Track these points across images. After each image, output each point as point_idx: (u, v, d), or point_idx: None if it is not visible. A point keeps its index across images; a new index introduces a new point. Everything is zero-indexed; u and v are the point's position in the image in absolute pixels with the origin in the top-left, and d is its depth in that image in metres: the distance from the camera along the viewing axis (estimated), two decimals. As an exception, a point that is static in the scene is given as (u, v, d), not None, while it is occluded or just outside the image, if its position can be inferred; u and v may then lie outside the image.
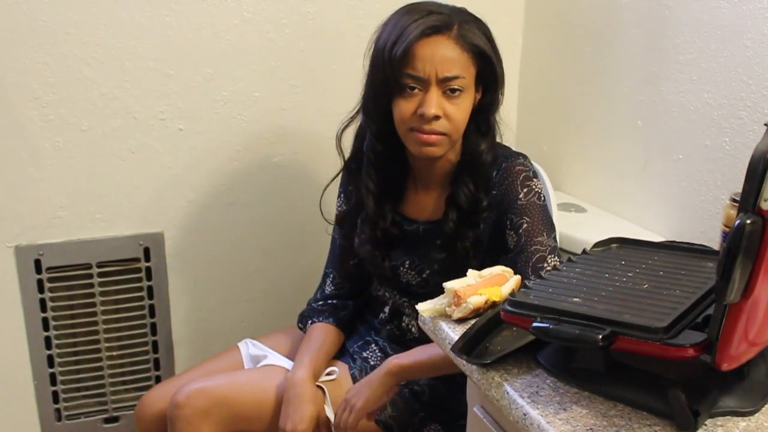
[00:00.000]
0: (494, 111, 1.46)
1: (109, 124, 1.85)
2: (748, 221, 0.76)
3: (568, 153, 2.04)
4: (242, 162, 1.99)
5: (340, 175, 1.61)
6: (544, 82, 2.12)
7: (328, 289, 1.64)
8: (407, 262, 1.50)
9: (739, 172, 1.49)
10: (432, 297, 1.47)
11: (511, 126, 2.20)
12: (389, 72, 1.35)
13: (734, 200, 1.30)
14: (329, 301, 1.63)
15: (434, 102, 1.34)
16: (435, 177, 1.49)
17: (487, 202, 1.43)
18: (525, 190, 1.41)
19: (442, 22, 1.34)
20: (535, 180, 1.43)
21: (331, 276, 1.65)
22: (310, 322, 1.61)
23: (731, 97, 1.50)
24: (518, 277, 1.20)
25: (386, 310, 1.59)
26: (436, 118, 1.35)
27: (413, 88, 1.35)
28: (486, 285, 1.14)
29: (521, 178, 1.41)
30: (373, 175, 1.49)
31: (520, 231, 1.39)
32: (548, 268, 1.36)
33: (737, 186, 1.45)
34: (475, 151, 1.43)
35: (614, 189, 1.87)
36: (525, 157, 1.45)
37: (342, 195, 1.61)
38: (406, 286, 1.52)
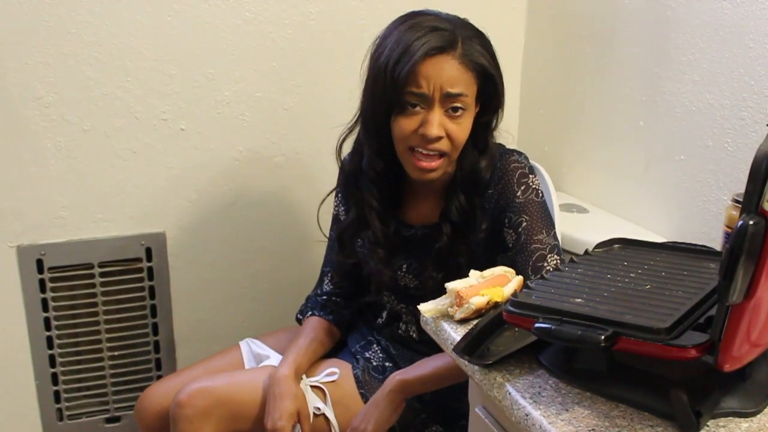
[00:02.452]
0: (493, 130, 1.44)
1: (110, 124, 1.85)
2: (751, 222, 0.76)
3: (569, 153, 2.04)
4: (244, 162, 1.99)
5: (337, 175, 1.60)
6: (545, 83, 2.12)
7: (327, 287, 1.64)
8: (404, 266, 1.49)
9: (741, 173, 1.50)
10: (428, 297, 1.46)
11: (513, 127, 2.20)
12: (391, 91, 1.32)
13: (736, 201, 1.30)
14: (332, 298, 1.63)
15: (437, 122, 1.32)
16: (431, 187, 1.47)
17: (479, 218, 1.41)
18: (522, 187, 1.39)
19: (446, 40, 1.31)
20: (531, 176, 1.41)
21: (329, 275, 1.64)
22: (309, 313, 1.61)
23: (733, 97, 1.50)
24: (520, 277, 1.20)
25: (384, 314, 1.59)
26: (438, 138, 1.33)
27: (415, 106, 1.33)
28: (488, 285, 1.14)
29: (517, 175, 1.40)
30: (376, 193, 1.46)
31: (520, 230, 1.38)
32: (548, 267, 1.36)
33: (739, 187, 1.45)
34: (473, 168, 1.41)
35: (616, 190, 1.87)
36: (520, 153, 1.44)
37: (340, 195, 1.60)
38: (404, 289, 1.51)
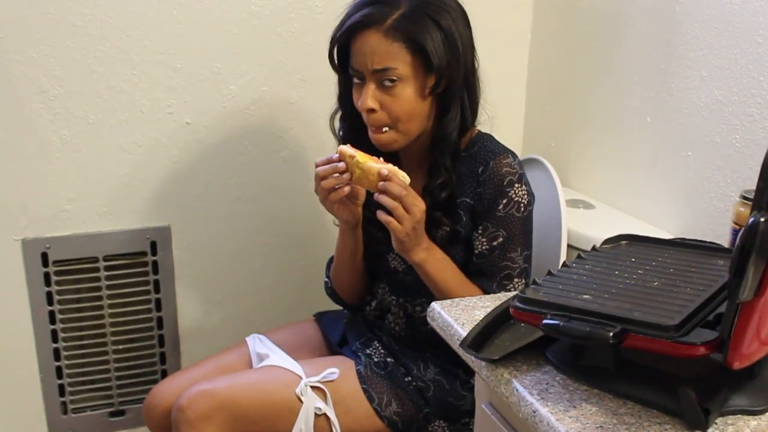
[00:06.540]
0: (450, 95, 1.40)
1: (116, 117, 1.85)
2: (762, 219, 0.76)
3: (576, 149, 2.03)
4: (249, 156, 1.99)
5: None
6: (552, 78, 2.12)
7: None
8: None
9: (750, 170, 1.50)
10: (417, 286, 1.46)
11: (519, 122, 2.20)
12: (338, 65, 1.41)
13: (744, 198, 1.29)
14: None
15: (368, 95, 1.37)
16: (415, 159, 1.49)
17: (457, 181, 1.42)
18: (505, 200, 1.39)
19: (376, 14, 1.34)
20: (517, 186, 1.40)
21: None
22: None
23: (742, 93, 1.50)
24: (391, 166, 1.32)
25: (373, 304, 1.61)
26: (372, 110, 1.37)
27: (361, 79, 1.39)
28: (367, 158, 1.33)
29: (505, 182, 1.39)
30: None
31: (495, 243, 1.41)
32: (511, 287, 1.40)
33: (747, 183, 1.45)
34: (440, 128, 1.42)
35: (623, 185, 1.87)
36: (514, 156, 1.43)
37: None
38: (393, 273, 1.52)
